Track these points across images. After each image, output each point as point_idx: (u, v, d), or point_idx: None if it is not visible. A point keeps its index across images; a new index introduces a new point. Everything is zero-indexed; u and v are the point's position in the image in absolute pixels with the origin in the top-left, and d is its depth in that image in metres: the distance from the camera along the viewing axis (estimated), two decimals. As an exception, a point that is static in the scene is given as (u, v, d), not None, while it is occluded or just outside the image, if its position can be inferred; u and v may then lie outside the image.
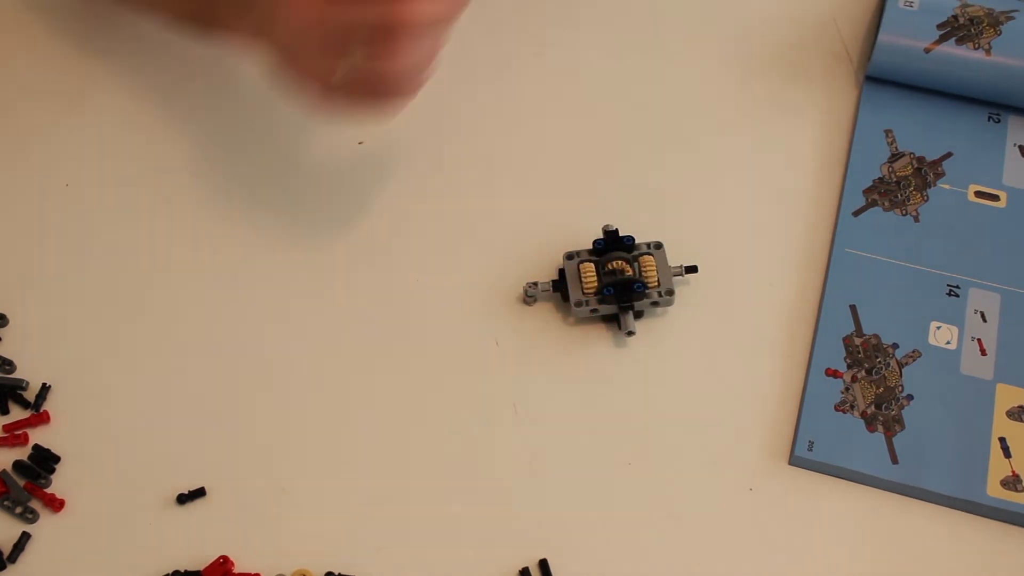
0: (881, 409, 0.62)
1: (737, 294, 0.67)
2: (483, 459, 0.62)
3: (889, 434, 0.62)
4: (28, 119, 0.75)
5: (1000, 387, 0.63)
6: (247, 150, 0.74)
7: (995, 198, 0.70)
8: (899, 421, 0.62)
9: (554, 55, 0.78)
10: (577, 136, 0.74)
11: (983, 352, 0.64)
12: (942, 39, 0.72)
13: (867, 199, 0.70)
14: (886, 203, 0.70)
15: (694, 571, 0.59)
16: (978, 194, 0.70)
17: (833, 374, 0.64)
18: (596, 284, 0.65)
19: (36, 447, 0.62)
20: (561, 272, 0.67)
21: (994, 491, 0.60)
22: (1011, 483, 0.60)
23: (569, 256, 0.67)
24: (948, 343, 0.65)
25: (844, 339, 0.65)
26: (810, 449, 0.61)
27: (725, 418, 0.63)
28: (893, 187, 0.70)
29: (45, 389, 0.64)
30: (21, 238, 0.70)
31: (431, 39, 0.58)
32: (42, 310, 0.67)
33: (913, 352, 0.64)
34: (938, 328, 0.65)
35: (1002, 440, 0.61)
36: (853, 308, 0.66)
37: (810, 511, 0.60)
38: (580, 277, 0.66)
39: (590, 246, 0.68)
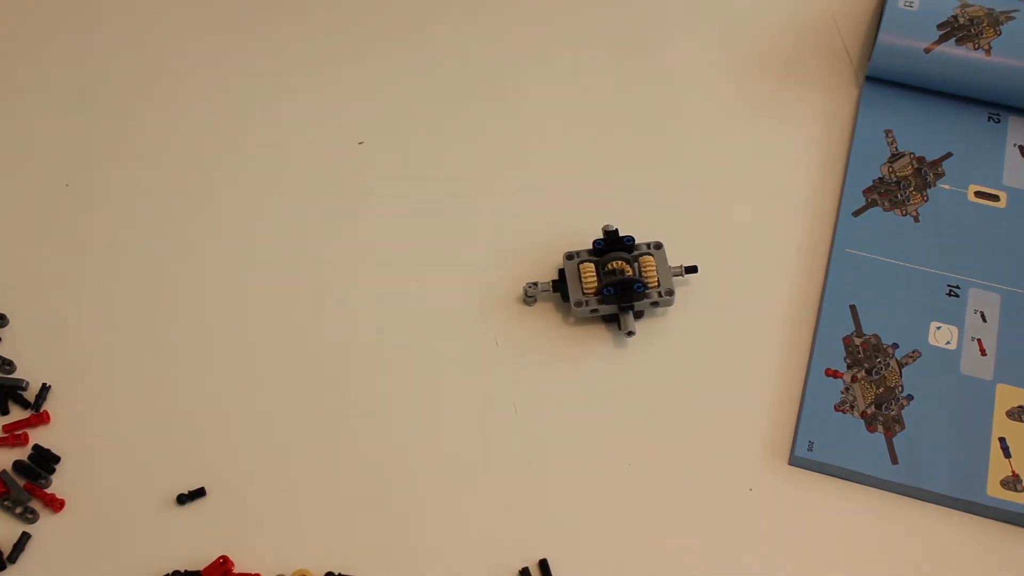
0: (881, 409, 0.62)
1: (737, 294, 0.67)
2: (483, 459, 0.62)
3: (889, 434, 0.62)
4: (28, 119, 0.75)
5: (1000, 387, 0.63)
6: (247, 150, 0.74)
7: (995, 198, 0.70)
8: (899, 421, 0.62)
9: (554, 56, 0.78)
10: (577, 136, 0.74)
11: (983, 352, 0.64)
12: (942, 39, 0.72)
13: (867, 199, 0.70)
14: (886, 203, 0.70)
15: (694, 571, 0.59)
16: (978, 194, 0.70)
17: (833, 374, 0.64)
18: (596, 284, 0.65)
19: (36, 447, 0.62)
20: (561, 272, 0.67)
21: (994, 491, 0.60)
22: (1011, 483, 0.60)
23: (569, 256, 0.67)
24: (948, 343, 0.64)
25: (844, 339, 0.65)
26: (810, 449, 0.61)
27: (725, 418, 0.63)
28: (893, 187, 0.70)
29: (45, 389, 0.64)
30: (21, 238, 0.70)
31: None
32: (42, 310, 0.67)
33: (913, 352, 0.64)
34: (938, 328, 0.65)
35: (1002, 440, 0.61)
36: (853, 308, 0.66)
37: (810, 511, 0.60)
38: (580, 277, 0.66)
39: (590, 246, 0.68)
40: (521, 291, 0.68)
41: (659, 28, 0.79)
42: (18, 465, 0.62)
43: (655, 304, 0.65)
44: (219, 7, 0.81)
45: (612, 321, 0.66)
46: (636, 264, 0.66)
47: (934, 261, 0.67)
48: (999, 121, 0.73)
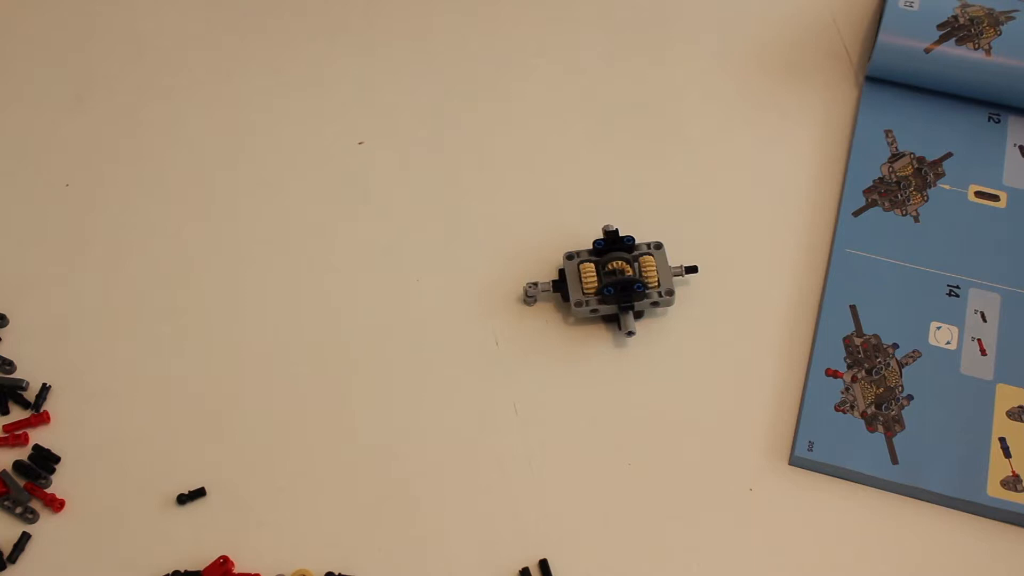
0: (881, 409, 0.62)
1: (737, 294, 0.67)
2: (483, 459, 0.62)
3: (889, 434, 0.62)
4: (28, 119, 0.75)
5: (1000, 387, 0.63)
6: (247, 150, 0.74)
7: (995, 198, 0.70)
8: (899, 421, 0.62)
9: (554, 56, 0.78)
10: (577, 136, 0.74)
11: (983, 352, 0.64)
12: (942, 39, 0.72)
13: (867, 199, 0.70)
14: (886, 203, 0.70)
15: (694, 571, 0.59)
16: (978, 194, 0.70)
17: (833, 374, 0.64)
18: (596, 284, 0.65)
19: (36, 447, 0.62)
20: (561, 272, 0.67)
21: (994, 491, 0.60)
22: (1011, 483, 0.60)
23: (569, 256, 0.67)
24: (948, 343, 0.64)
25: (844, 339, 0.65)
26: (810, 449, 0.61)
27: (725, 418, 0.63)
28: (893, 187, 0.70)
29: (45, 389, 0.64)
30: (21, 238, 0.70)
31: None
32: (42, 310, 0.67)
33: (913, 352, 0.64)
34: (938, 328, 0.65)
35: (1002, 440, 0.61)
36: (853, 308, 0.66)
37: (810, 511, 0.60)
38: (580, 277, 0.66)
39: (590, 246, 0.68)
40: (521, 291, 0.68)
41: (659, 28, 0.79)
42: (18, 465, 0.62)
43: (655, 304, 0.65)
44: (219, 7, 0.81)
45: (612, 321, 0.66)
46: (636, 264, 0.66)
47: (934, 261, 0.67)
48: (999, 121, 0.73)
